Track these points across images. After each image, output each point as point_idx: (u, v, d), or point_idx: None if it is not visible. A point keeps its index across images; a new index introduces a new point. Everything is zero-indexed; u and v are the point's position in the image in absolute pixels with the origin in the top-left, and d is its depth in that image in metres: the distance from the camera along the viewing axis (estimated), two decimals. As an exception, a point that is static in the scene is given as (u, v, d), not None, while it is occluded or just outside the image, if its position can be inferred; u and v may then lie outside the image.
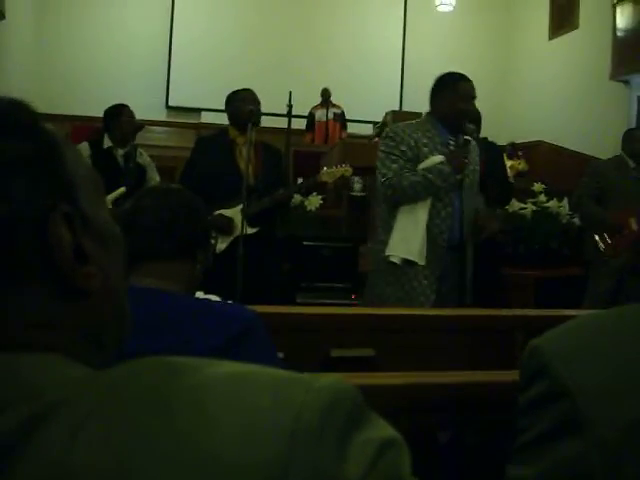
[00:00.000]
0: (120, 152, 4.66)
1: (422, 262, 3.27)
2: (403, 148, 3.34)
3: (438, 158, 3.31)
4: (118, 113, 4.74)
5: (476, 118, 4.69)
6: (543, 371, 0.90)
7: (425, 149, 3.34)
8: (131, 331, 0.68)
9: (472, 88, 3.45)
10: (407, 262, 3.29)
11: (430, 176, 3.27)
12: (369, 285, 3.52)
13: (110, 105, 4.84)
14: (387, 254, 3.35)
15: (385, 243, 3.38)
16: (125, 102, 4.94)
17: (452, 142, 3.36)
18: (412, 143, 3.35)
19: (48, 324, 0.57)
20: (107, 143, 4.67)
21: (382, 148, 3.43)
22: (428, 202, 3.30)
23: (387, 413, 0.61)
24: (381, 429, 0.54)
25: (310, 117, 9.81)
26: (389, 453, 0.53)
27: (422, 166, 3.31)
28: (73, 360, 0.56)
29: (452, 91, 3.41)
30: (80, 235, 0.58)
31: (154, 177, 4.79)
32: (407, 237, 3.30)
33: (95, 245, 0.60)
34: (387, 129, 3.59)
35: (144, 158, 4.84)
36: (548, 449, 0.88)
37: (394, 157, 3.35)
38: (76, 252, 0.58)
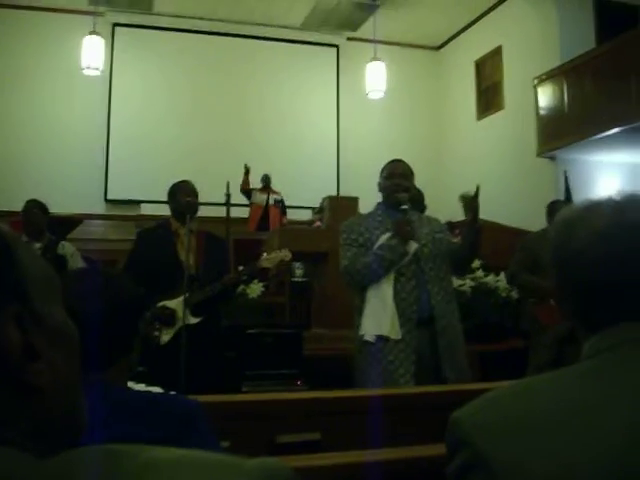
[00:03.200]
0: (36, 245, 4.69)
1: (396, 336, 3.34)
2: (354, 236, 3.56)
3: (387, 235, 3.48)
4: (23, 209, 4.92)
5: (417, 198, 4.84)
6: (463, 442, 0.93)
7: (376, 231, 3.53)
8: (85, 431, 0.69)
9: (397, 167, 3.68)
10: (381, 339, 3.37)
11: (380, 252, 3.42)
12: (354, 370, 3.59)
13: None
14: (361, 334, 3.46)
15: (359, 326, 3.49)
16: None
17: (398, 217, 3.49)
18: (362, 229, 3.57)
19: None
20: (23, 238, 4.68)
21: (340, 242, 3.63)
22: (391, 278, 3.41)
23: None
24: None
25: (247, 194, 9.82)
26: None
27: (375, 246, 3.47)
28: (21, 452, 0.57)
29: (383, 175, 3.70)
30: (31, 333, 0.60)
31: (77, 266, 4.76)
32: (377, 314, 3.41)
33: (47, 342, 0.61)
34: (342, 225, 3.74)
35: (66, 249, 4.84)
36: None
37: (347, 246, 3.56)
38: (27, 349, 0.59)
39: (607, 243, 1.01)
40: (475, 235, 3.53)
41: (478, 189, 3.43)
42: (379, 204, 3.73)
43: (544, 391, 0.96)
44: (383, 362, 3.35)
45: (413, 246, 3.46)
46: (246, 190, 9.82)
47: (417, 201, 4.82)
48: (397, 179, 3.62)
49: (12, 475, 0.53)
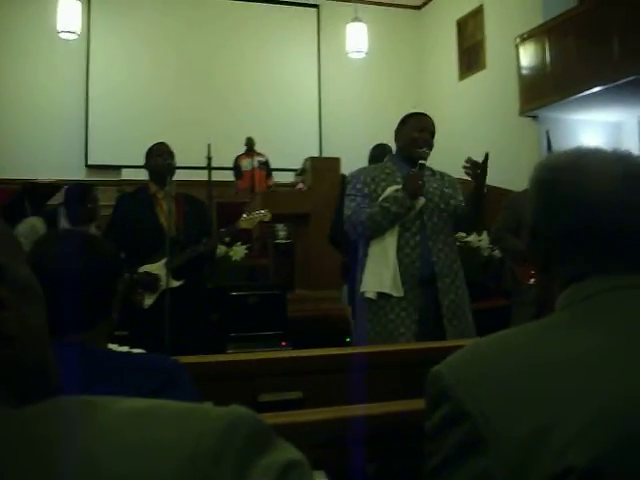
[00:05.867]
0: None
1: (398, 293, 3.25)
2: (359, 186, 3.42)
3: (394, 187, 3.36)
4: (85, 195, 4.62)
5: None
6: (444, 395, 0.92)
7: (383, 183, 3.40)
8: (57, 383, 0.70)
9: (428, 122, 3.53)
10: (382, 296, 3.28)
11: (385, 204, 3.30)
12: (355, 325, 3.50)
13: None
14: (362, 291, 3.36)
15: (360, 281, 3.39)
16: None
17: (412, 171, 3.37)
18: (368, 180, 3.42)
19: None
20: (63, 223, 4.54)
21: (346, 192, 3.51)
22: (395, 233, 3.31)
23: (312, 448, 0.64)
24: (285, 451, 0.57)
25: (237, 167, 9.67)
26: (292, 474, 0.55)
27: (381, 198, 3.35)
28: None
29: (403, 125, 3.54)
30: None
31: None
32: (379, 271, 3.30)
33: (10, 293, 0.62)
34: (349, 175, 3.63)
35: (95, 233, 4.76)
36: (455, 471, 0.89)
37: (352, 197, 3.43)
38: None
39: (627, 189, 1.01)
40: (479, 200, 3.45)
41: (487, 157, 3.35)
42: (391, 156, 3.62)
43: (524, 345, 0.96)
44: (383, 321, 3.27)
45: (421, 201, 3.35)
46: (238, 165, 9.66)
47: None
48: (426, 134, 3.49)
49: None
